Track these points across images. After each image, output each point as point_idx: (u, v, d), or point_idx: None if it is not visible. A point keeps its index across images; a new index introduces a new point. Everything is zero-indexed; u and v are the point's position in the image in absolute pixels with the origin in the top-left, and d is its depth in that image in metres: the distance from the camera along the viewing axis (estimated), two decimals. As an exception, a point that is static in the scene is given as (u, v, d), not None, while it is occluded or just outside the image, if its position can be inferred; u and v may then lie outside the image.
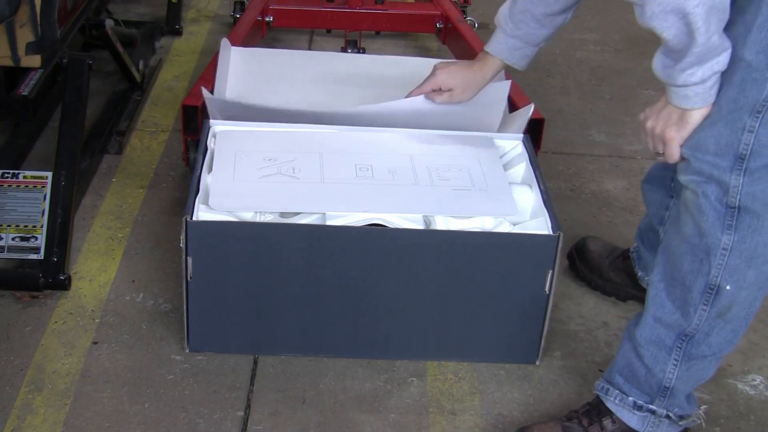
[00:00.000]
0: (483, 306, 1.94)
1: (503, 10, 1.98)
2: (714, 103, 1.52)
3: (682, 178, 1.61)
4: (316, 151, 2.08)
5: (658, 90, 3.25)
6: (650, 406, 1.73)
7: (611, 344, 2.09)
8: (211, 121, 2.16)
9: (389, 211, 1.91)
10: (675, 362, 1.69)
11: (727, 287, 1.60)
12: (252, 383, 1.93)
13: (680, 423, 1.75)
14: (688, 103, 1.54)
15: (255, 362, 1.98)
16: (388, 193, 1.97)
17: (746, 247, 1.57)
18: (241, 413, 1.86)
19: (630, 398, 1.75)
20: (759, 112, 1.48)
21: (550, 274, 1.90)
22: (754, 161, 1.50)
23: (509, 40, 1.98)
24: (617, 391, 1.76)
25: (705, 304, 1.63)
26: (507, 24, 1.97)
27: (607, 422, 1.77)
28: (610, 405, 1.77)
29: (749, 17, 1.46)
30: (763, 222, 1.55)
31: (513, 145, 2.18)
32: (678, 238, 1.64)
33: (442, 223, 1.95)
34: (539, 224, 1.93)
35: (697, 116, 1.55)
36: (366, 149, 2.10)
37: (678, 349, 1.68)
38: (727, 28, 1.48)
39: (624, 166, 2.82)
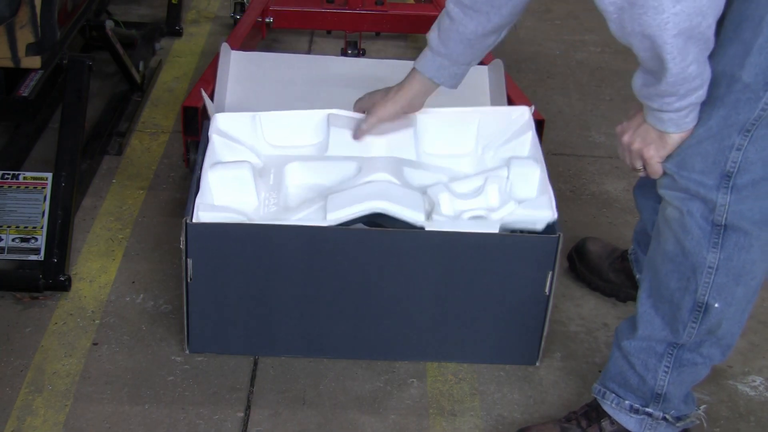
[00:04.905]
0: (483, 307, 1.94)
1: (433, 28, 1.89)
2: (702, 123, 1.49)
3: (665, 192, 1.59)
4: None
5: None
6: (646, 409, 1.73)
7: (611, 345, 2.09)
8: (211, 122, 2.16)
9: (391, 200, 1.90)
10: (666, 369, 1.68)
11: (716, 305, 1.58)
12: (252, 384, 1.93)
13: (678, 424, 1.75)
14: (662, 126, 1.52)
15: (255, 363, 1.98)
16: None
17: (733, 265, 1.55)
18: (242, 414, 1.86)
19: (626, 402, 1.74)
20: (749, 131, 1.45)
21: (550, 275, 1.90)
22: (740, 178, 1.48)
23: (436, 59, 1.90)
24: (613, 395, 1.76)
25: (694, 322, 1.62)
26: (435, 41, 1.88)
27: (605, 423, 1.77)
28: (607, 408, 1.77)
29: (748, 37, 1.41)
30: (751, 240, 1.53)
31: (520, 112, 2.15)
32: (661, 256, 1.63)
33: (447, 204, 1.92)
34: (543, 202, 1.92)
35: (676, 138, 1.52)
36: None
37: (669, 356, 1.68)
38: (722, 47, 1.44)
39: (624, 167, 2.80)
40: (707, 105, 1.48)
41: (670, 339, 1.66)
